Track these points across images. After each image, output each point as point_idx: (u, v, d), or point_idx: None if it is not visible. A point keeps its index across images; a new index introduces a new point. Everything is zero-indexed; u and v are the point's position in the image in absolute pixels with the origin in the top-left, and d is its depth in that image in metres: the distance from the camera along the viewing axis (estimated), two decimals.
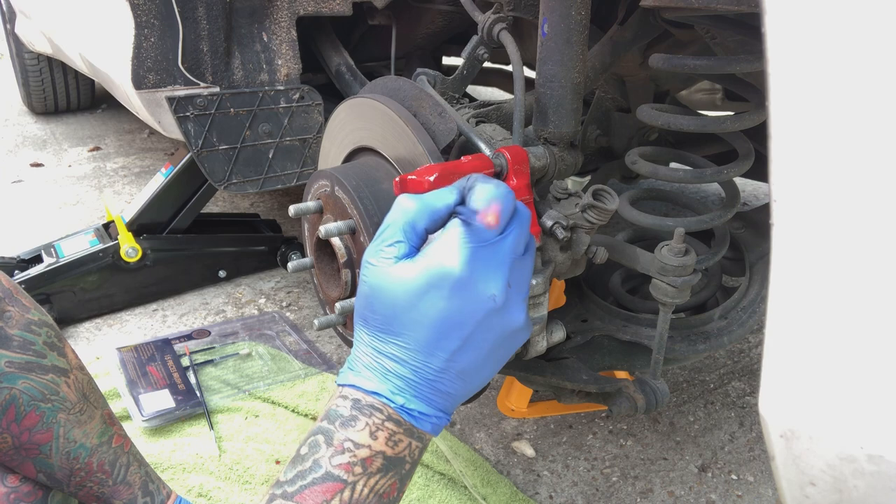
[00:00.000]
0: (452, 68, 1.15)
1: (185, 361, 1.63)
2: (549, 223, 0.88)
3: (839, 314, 0.45)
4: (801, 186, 0.45)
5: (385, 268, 0.59)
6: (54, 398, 0.87)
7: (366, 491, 0.58)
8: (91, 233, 1.95)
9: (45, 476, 0.89)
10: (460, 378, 0.61)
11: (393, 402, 0.60)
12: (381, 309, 0.60)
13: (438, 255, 0.58)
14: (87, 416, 0.91)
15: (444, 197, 0.61)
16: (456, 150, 0.97)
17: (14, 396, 0.83)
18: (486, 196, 0.59)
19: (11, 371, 0.83)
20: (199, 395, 1.51)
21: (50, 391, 0.86)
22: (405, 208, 0.61)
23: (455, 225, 0.59)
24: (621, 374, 1.35)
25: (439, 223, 0.61)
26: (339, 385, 0.63)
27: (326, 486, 0.57)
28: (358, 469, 0.58)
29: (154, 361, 1.62)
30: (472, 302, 0.58)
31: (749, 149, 1.12)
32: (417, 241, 0.61)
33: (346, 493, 0.57)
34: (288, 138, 1.60)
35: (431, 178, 0.82)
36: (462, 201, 0.61)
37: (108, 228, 1.98)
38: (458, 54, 2.09)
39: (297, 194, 1.56)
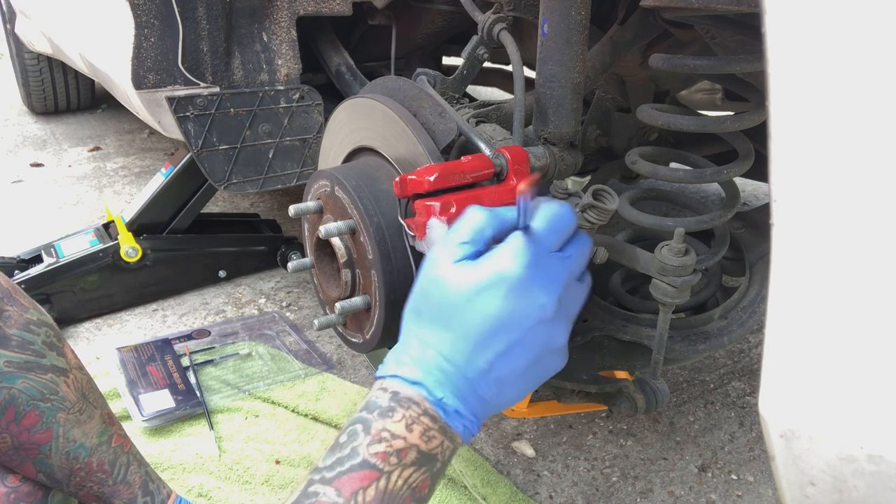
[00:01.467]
0: (452, 68, 1.15)
1: (185, 361, 1.63)
2: None
3: (839, 314, 0.45)
4: (801, 186, 0.45)
5: (449, 264, 0.62)
6: (53, 398, 0.87)
7: (400, 482, 0.58)
8: (91, 233, 1.95)
9: (44, 476, 0.89)
10: (497, 385, 0.63)
11: (432, 396, 0.61)
12: (437, 302, 0.62)
13: (499, 257, 0.61)
14: (87, 416, 0.91)
15: (512, 211, 0.65)
16: (456, 150, 0.97)
17: (13, 396, 0.83)
18: (549, 213, 0.64)
19: (10, 371, 0.83)
20: (199, 395, 1.51)
21: (49, 391, 0.86)
22: (476, 215, 0.65)
23: (518, 235, 0.62)
24: (621, 374, 1.35)
25: (505, 233, 0.64)
26: (378, 378, 0.64)
27: (363, 474, 0.57)
28: (393, 459, 0.59)
29: (154, 361, 1.62)
30: (524, 307, 0.61)
31: (749, 149, 1.12)
32: (483, 247, 0.64)
33: (382, 483, 0.58)
34: (288, 138, 1.60)
35: (431, 178, 0.82)
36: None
37: (108, 228, 1.98)
38: (458, 54, 2.09)
39: (297, 194, 1.56)
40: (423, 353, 0.63)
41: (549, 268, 0.62)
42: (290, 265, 1.02)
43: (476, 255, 0.63)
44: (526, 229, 0.63)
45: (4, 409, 0.83)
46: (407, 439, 0.60)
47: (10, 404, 0.83)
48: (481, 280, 0.60)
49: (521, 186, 0.64)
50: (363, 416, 0.61)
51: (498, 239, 0.64)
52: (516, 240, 0.62)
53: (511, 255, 0.61)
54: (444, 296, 0.62)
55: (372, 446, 0.59)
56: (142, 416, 1.42)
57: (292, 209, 1.00)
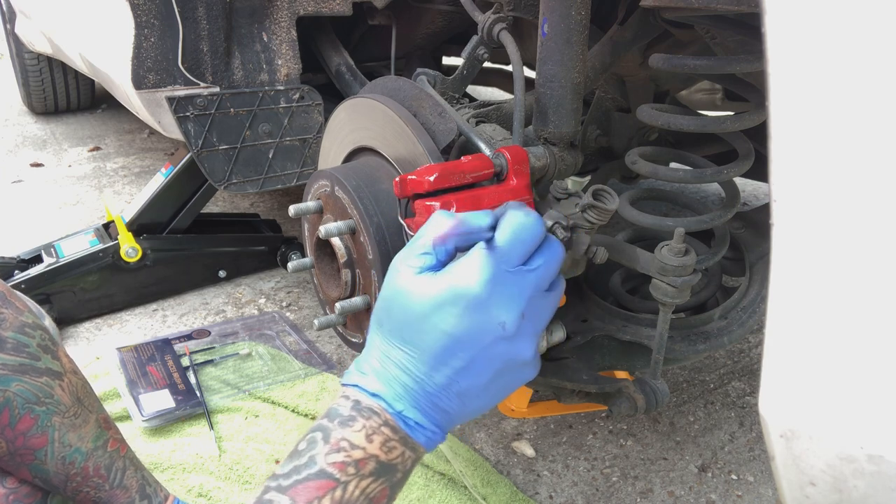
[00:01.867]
0: (452, 68, 1.15)
1: (185, 361, 1.63)
2: (549, 223, 0.88)
3: (839, 314, 0.45)
4: (801, 186, 0.45)
5: (409, 276, 0.61)
6: (48, 401, 0.86)
7: (357, 493, 0.58)
8: (91, 233, 1.95)
9: (41, 481, 0.89)
10: (459, 398, 0.62)
11: (391, 408, 0.61)
12: (397, 314, 0.62)
13: (459, 272, 0.60)
14: (82, 420, 0.90)
15: (479, 219, 0.63)
16: (456, 150, 0.97)
17: (8, 399, 0.82)
18: (514, 223, 0.62)
19: (5, 373, 0.82)
20: (199, 395, 1.51)
21: (44, 394, 0.86)
22: (439, 224, 0.63)
23: (480, 247, 0.61)
24: (621, 374, 1.35)
25: (470, 244, 0.63)
26: (343, 385, 0.64)
27: (320, 483, 0.57)
28: (351, 469, 0.58)
29: (154, 361, 1.62)
30: (482, 325, 0.60)
31: (749, 149, 1.12)
32: (445, 257, 0.63)
33: (338, 493, 0.57)
34: (288, 138, 1.60)
35: (431, 178, 0.82)
36: (495, 227, 0.64)
37: (108, 228, 1.98)
38: (458, 54, 2.09)
39: (297, 194, 1.56)
40: (383, 365, 0.62)
41: (511, 283, 0.61)
42: (290, 265, 1.02)
43: (439, 266, 0.62)
44: (490, 241, 0.61)
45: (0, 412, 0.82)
46: (366, 450, 0.59)
47: (4, 407, 0.82)
48: (439, 296, 0.59)
49: (482, 213, 0.63)
50: (323, 423, 0.61)
51: (463, 248, 0.63)
52: (477, 254, 0.60)
53: (470, 271, 0.59)
54: (403, 309, 0.61)
55: (330, 455, 0.58)
56: (142, 416, 1.42)
57: (292, 209, 1.00)
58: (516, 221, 0.62)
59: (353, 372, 0.64)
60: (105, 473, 0.93)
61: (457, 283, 0.59)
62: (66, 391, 0.89)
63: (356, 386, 0.62)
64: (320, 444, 0.59)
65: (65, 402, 0.88)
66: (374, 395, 0.61)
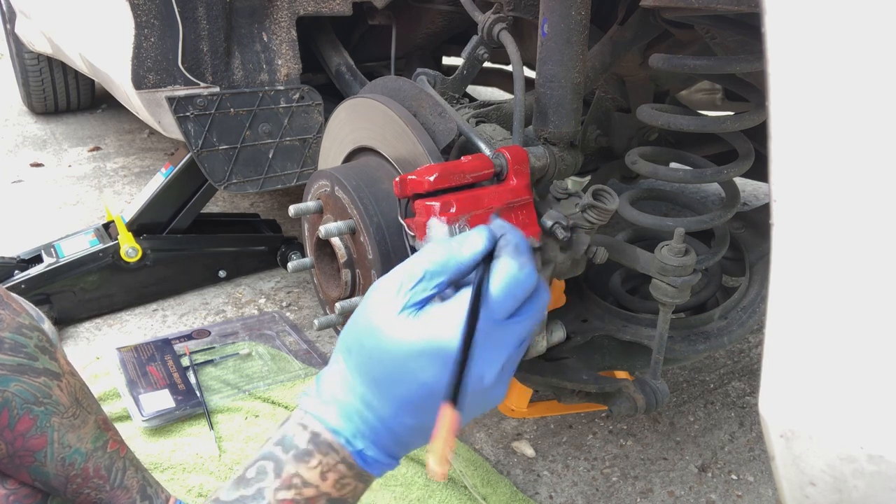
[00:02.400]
0: (452, 68, 1.15)
1: (185, 361, 1.63)
2: (549, 223, 0.88)
3: (839, 314, 0.45)
4: (800, 186, 0.45)
5: (391, 313, 0.57)
6: (47, 401, 0.86)
7: None
8: (91, 233, 1.95)
9: (41, 484, 0.88)
10: (422, 435, 0.59)
11: (352, 447, 0.58)
12: (370, 351, 0.58)
13: (442, 324, 0.55)
14: (81, 421, 0.90)
15: (473, 245, 0.59)
16: (456, 150, 0.97)
17: (7, 399, 0.82)
18: (509, 277, 0.57)
19: (4, 373, 0.82)
20: (199, 395, 1.51)
21: (43, 394, 0.85)
22: (430, 257, 0.59)
23: (467, 294, 0.56)
24: (621, 374, 1.35)
25: (461, 276, 0.59)
26: (302, 408, 0.61)
27: None
28: None
29: (154, 361, 1.62)
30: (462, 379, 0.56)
31: (749, 149, 1.12)
32: (435, 291, 0.58)
33: None
34: (288, 138, 1.60)
35: (431, 178, 0.82)
36: (491, 252, 0.59)
37: (108, 228, 1.98)
38: (458, 54, 2.09)
39: (297, 194, 1.56)
40: (348, 398, 0.59)
41: (495, 339, 0.57)
42: (290, 265, 1.02)
43: (424, 303, 0.57)
44: (481, 277, 0.57)
45: None
46: (319, 487, 0.57)
47: (3, 408, 0.82)
48: (419, 344, 0.55)
49: (479, 239, 0.58)
50: (276, 453, 0.58)
51: (454, 282, 0.59)
52: (463, 304, 0.56)
53: (454, 322, 0.55)
54: (377, 349, 0.57)
55: (280, 492, 0.56)
56: (142, 416, 1.42)
57: (292, 209, 1.00)
58: (511, 275, 0.57)
59: (314, 397, 0.61)
60: (105, 474, 0.93)
61: (439, 335, 0.55)
62: (64, 392, 0.89)
63: (317, 417, 0.59)
64: (270, 477, 0.57)
65: (63, 402, 0.88)
66: (335, 431, 0.58)
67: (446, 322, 0.55)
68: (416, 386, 0.56)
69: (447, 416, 0.54)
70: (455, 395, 0.54)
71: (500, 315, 0.57)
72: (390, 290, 0.58)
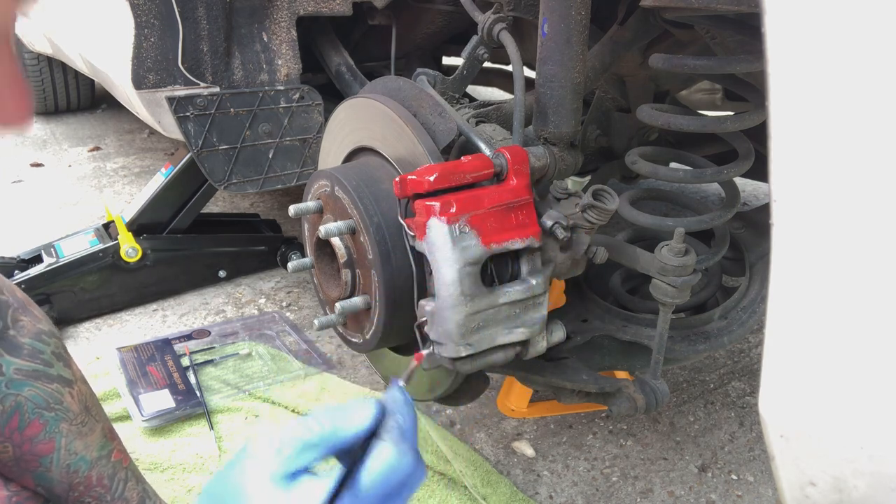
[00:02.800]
0: (452, 68, 1.15)
1: (185, 361, 1.63)
2: (549, 223, 0.88)
3: (839, 314, 0.45)
4: (800, 186, 0.45)
5: (261, 477, 0.53)
6: (58, 407, 0.87)
7: None
8: (91, 233, 1.95)
9: (44, 490, 0.89)
10: None
11: None
12: None
13: (306, 500, 0.52)
14: (89, 429, 0.91)
15: (359, 420, 0.56)
16: (456, 150, 0.97)
17: (19, 403, 0.84)
18: (382, 465, 0.55)
19: (19, 378, 0.84)
20: (199, 395, 1.51)
21: (54, 400, 0.87)
22: (312, 426, 0.56)
23: (334, 481, 0.53)
24: (621, 374, 1.35)
25: (341, 451, 0.56)
26: None
27: None
28: None
29: (154, 361, 1.62)
30: None
31: (749, 149, 1.12)
32: (306, 466, 0.55)
33: None
34: (288, 138, 1.60)
35: (431, 179, 0.82)
36: (376, 426, 0.57)
37: (108, 228, 1.98)
38: (458, 54, 2.08)
39: (297, 194, 1.56)
40: None
41: None
42: (290, 265, 1.02)
43: (298, 473, 0.54)
44: (355, 466, 0.54)
45: (10, 416, 0.83)
46: None
47: (15, 411, 0.83)
48: None
49: (365, 414, 0.56)
50: None
51: (338, 454, 0.56)
52: (326, 492, 0.52)
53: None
54: None
55: None
56: (142, 416, 1.42)
57: (292, 209, 1.00)
58: (388, 463, 0.54)
59: None
60: (108, 483, 0.93)
61: None
62: (75, 399, 0.90)
63: None
64: None
65: (73, 409, 0.89)
66: None
67: (310, 500, 0.52)
68: None
69: None
70: None
71: (369, 502, 0.54)
72: (268, 452, 0.55)
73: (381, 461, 0.55)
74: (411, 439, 0.58)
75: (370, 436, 0.56)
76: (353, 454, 0.56)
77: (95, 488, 0.92)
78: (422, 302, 0.88)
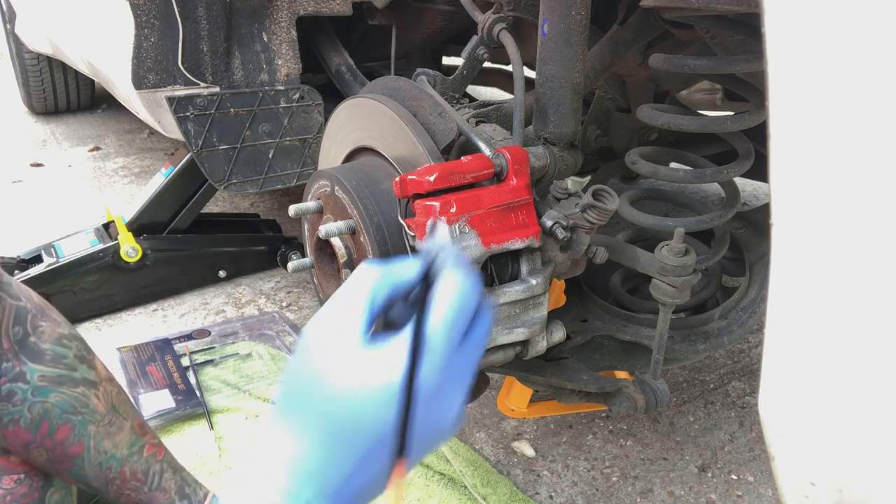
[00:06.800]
0: (452, 68, 1.15)
1: (185, 361, 1.63)
2: (549, 223, 0.88)
3: (839, 314, 0.45)
4: (800, 186, 0.45)
5: (337, 355, 0.51)
6: (84, 411, 0.88)
7: None
8: (91, 233, 1.95)
9: (84, 485, 0.91)
10: (369, 495, 0.54)
11: None
12: (319, 405, 0.51)
13: (397, 363, 0.50)
14: (117, 428, 0.92)
15: (409, 270, 0.54)
16: (456, 150, 0.97)
17: (47, 410, 0.85)
18: (457, 291, 0.52)
19: (44, 385, 0.85)
20: (199, 395, 1.51)
21: (80, 404, 0.88)
22: (365, 279, 0.53)
23: (414, 328, 0.51)
24: (621, 374, 1.35)
25: (400, 297, 0.54)
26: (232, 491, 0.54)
27: None
28: None
29: (154, 361, 1.62)
30: (430, 416, 0.52)
31: (749, 149, 1.12)
32: (374, 317, 0.53)
33: None
34: (288, 138, 1.60)
35: (431, 179, 0.82)
36: (426, 277, 0.54)
37: (108, 228, 1.98)
38: (458, 54, 2.09)
39: (297, 194, 1.56)
40: (292, 479, 0.51)
41: (455, 369, 0.52)
42: (290, 265, 1.02)
43: (368, 327, 0.52)
44: (423, 299, 0.52)
45: (39, 422, 0.85)
46: None
47: (44, 418, 0.85)
48: (382, 390, 0.49)
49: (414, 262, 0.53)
50: None
51: (392, 304, 0.54)
52: (408, 341, 0.50)
53: (399, 370, 0.49)
54: (333, 398, 0.50)
55: None
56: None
57: (292, 209, 1.01)
58: (457, 297, 0.52)
59: (249, 493, 0.52)
60: (143, 477, 0.95)
61: (394, 376, 0.50)
62: (101, 400, 0.91)
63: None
64: None
65: (100, 411, 0.90)
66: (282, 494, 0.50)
67: (400, 360, 0.50)
68: (383, 434, 0.50)
69: (397, 469, 0.50)
70: (403, 443, 0.50)
71: (456, 338, 0.52)
72: (332, 323, 0.52)
73: (452, 295, 0.52)
74: (466, 265, 0.55)
75: (427, 272, 0.54)
76: (413, 297, 0.54)
77: (131, 482, 0.94)
78: None
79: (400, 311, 0.55)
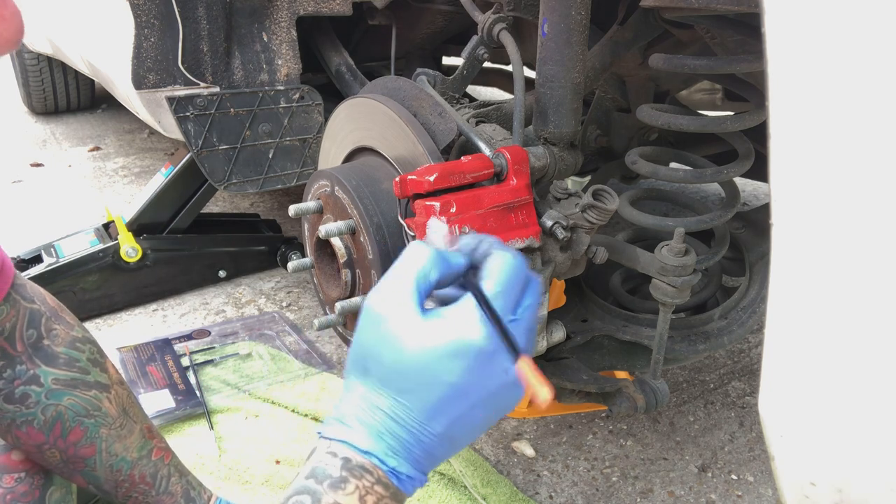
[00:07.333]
0: (452, 68, 1.15)
1: (185, 361, 1.63)
2: (549, 223, 0.88)
3: (839, 314, 0.45)
4: (800, 186, 0.45)
5: (402, 320, 0.57)
6: (97, 414, 0.89)
7: None
8: (91, 233, 1.95)
9: (94, 487, 0.92)
10: (451, 443, 0.60)
11: (385, 465, 0.58)
12: (389, 362, 0.58)
13: (462, 324, 0.57)
14: (127, 431, 0.94)
15: (456, 256, 0.61)
16: (456, 150, 0.97)
17: (60, 413, 0.86)
18: (506, 268, 0.59)
19: (58, 388, 0.86)
20: (199, 395, 1.51)
21: (93, 407, 0.89)
22: (418, 256, 0.59)
23: (470, 296, 0.58)
24: (621, 374, 1.35)
25: (450, 278, 0.60)
26: (325, 438, 0.60)
27: None
28: None
29: (154, 361, 1.62)
30: (489, 373, 0.58)
31: (749, 149, 1.12)
32: (426, 294, 0.59)
33: None
34: (288, 138, 1.60)
35: (431, 179, 0.82)
36: (471, 265, 0.61)
37: (108, 228, 1.98)
38: (458, 54, 2.08)
39: (297, 194, 1.56)
40: (373, 417, 0.58)
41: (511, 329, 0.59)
42: (290, 265, 1.02)
43: (421, 301, 0.58)
44: (473, 277, 0.59)
45: (52, 425, 0.86)
46: None
47: (57, 421, 0.86)
48: (443, 347, 0.56)
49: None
50: (310, 486, 0.57)
51: (443, 283, 0.60)
52: (474, 303, 0.58)
53: (476, 322, 0.57)
54: (398, 359, 0.57)
55: None
56: None
57: (292, 209, 1.01)
58: (508, 266, 0.59)
59: (336, 424, 0.60)
60: (151, 481, 0.96)
61: (462, 335, 0.56)
62: (113, 403, 0.92)
63: (345, 442, 0.59)
64: None
65: (112, 414, 0.91)
66: (366, 452, 0.58)
67: (467, 321, 0.57)
68: (447, 386, 0.57)
69: (523, 363, 0.58)
70: (514, 348, 0.57)
71: (510, 307, 0.59)
72: (391, 296, 0.58)
73: (501, 265, 0.59)
74: (519, 253, 0.62)
75: (469, 267, 0.60)
76: (461, 280, 0.60)
77: (139, 485, 0.95)
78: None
79: (448, 293, 0.61)
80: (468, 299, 0.58)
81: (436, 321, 0.57)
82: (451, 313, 0.57)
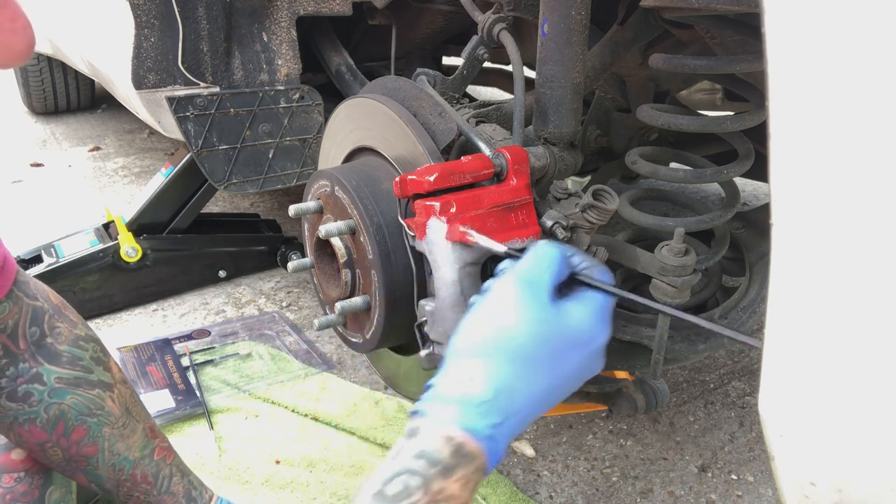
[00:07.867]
0: (452, 68, 1.15)
1: (185, 361, 1.63)
2: (549, 223, 0.88)
3: (839, 314, 0.45)
4: (800, 186, 0.45)
5: (543, 308, 0.63)
6: (100, 413, 0.89)
7: None
8: (91, 233, 1.95)
9: (96, 486, 0.92)
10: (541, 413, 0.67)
11: (496, 450, 0.61)
12: (528, 347, 0.63)
13: (592, 318, 0.66)
14: (130, 430, 0.93)
15: (569, 260, 0.70)
16: (456, 150, 0.97)
17: (63, 411, 0.86)
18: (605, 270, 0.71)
19: (61, 387, 0.86)
20: (199, 395, 1.51)
21: (96, 406, 0.89)
22: (550, 254, 0.66)
23: (603, 298, 0.67)
24: (621, 374, 1.35)
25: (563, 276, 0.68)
26: (440, 421, 0.61)
27: None
28: None
29: (154, 361, 1.62)
30: (598, 361, 0.67)
31: (749, 149, 1.12)
32: (555, 285, 0.66)
33: None
34: (288, 138, 1.60)
35: (431, 179, 0.82)
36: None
37: (108, 228, 1.98)
38: (458, 54, 2.08)
39: (297, 194, 1.56)
40: (498, 403, 0.61)
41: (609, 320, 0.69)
42: (290, 265, 1.02)
43: (551, 297, 0.65)
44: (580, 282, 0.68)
45: (55, 423, 0.85)
46: (459, 497, 0.59)
47: (60, 419, 0.86)
48: (579, 338, 0.64)
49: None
50: (419, 469, 0.58)
51: (559, 281, 0.67)
52: (603, 304, 0.67)
53: (606, 321, 0.67)
54: (537, 343, 0.63)
55: None
56: None
57: (292, 209, 1.01)
58: (607, 275, 0.70)
59: (454, 408, 0.61)
60: (152, 480, 0.96)
61: (592, 328, 0.65)
62: (115, 402, 0.92)
63: (465, 428, 0.60)
64: (418, 494, 0.57)
65: (114, 413, 0.91)
66: (488, 438, 0.60)
67: (594, 316, 0.66)
68: (569, 371, 0.65)
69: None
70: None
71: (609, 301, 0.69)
72: (532, 283, 0.64)
73: (600, 268, 0.70)
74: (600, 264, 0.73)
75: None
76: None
77: (141, 485, 0.95)
78: (422, 302, 0.88)
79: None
80: (595, 299, 0.67)
81: (573, 314, 0.65)
82: (585, 309, 0.66)
